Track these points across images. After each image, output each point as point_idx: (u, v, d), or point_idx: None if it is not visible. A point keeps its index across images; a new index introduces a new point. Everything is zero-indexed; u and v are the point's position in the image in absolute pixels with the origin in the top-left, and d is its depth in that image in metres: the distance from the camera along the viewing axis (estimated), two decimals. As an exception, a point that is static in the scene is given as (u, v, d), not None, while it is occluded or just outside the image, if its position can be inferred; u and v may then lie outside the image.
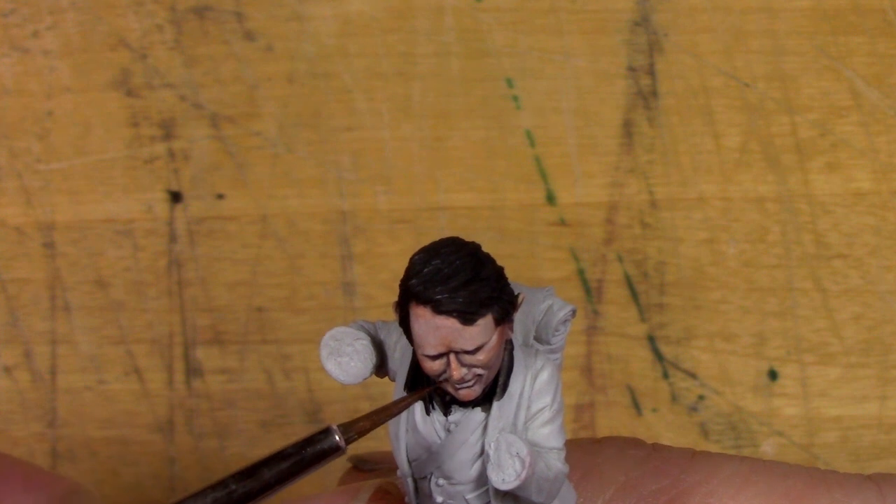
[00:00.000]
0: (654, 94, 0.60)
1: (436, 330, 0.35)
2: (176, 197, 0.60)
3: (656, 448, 0.45)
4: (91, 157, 0.60)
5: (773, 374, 0.61)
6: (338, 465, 0.55)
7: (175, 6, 0.60)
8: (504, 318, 0.36)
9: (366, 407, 0.60)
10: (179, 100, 0.60)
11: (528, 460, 0.35)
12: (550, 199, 0.60)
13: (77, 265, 0.60)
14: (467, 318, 0.35)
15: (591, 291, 0.60)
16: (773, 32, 0.60)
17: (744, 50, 0.60)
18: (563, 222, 0.60)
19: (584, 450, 0.44)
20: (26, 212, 0.60)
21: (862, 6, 0.60)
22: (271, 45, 0.60)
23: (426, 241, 0.36)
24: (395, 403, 0.36)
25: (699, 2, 0.60)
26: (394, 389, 0.38)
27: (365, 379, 0.38)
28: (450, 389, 0.36)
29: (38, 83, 0.60)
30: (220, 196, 0.60)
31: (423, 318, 0.35)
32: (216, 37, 0.60)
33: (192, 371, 0.60)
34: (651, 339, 0.60)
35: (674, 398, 0.61)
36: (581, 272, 0.60)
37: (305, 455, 0.35)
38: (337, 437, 0.35)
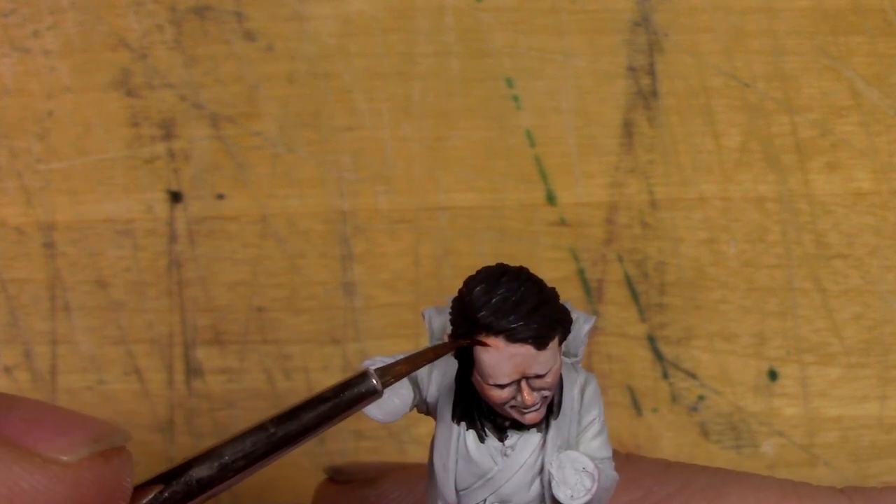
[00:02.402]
0: (654, 94, 0.60)
1: (510, 358, 0.35)
2: (176, 197, 0.60)
3: (630, 459, 0.45)
4: (91, 157, 0.60)
5: (773, 374, 0.61)
6: (322, 462, 0.55)
7: (175, 6, 0.60)
8: (565, 337, 0.36)
9: (366, 407, 0.60)
10: (179, 100, 0.60)
11: (596, 474, 0.36)
12: (550, 199, 0.60)
13: (77, 265, 0.60)
14: (541, 342, 0.35)
15: (591, 291, 0.60)
16: (773, 32, 0.60)
17: (744, 50, 0.60)
18: (563, 222, 0.60)
19: None
20: (26, 212, 0.60)
21: (862, 6, 0.60)
22: (271, 45, 0.60)
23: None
24: (433, 349, 0.36)
25: (699, 2, 0.60)
26: (435, 426, 0.38)
27: (404, 415, 0.38)
28: (514, 415, 0.36)
29: (38, 83, 0.60)
30: (220, 196, 0.60)
31: (495, 349, 0.35)
32: (216, 37, 0.60)
33: (192, 371, 0.60)
34: (651, 339, 0.60)
35: (674, 398, 0.61)
36: (581, 272, 0.60)
37: (343, 398, 0.35)
38: (374, 381, 0.35)
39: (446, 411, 0.38)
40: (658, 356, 0.60)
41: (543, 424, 0.37)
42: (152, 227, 0.60)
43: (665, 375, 0.61)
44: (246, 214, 0.60)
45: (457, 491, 0.38)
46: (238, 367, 0.60)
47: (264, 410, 0.61)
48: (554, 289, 0.36)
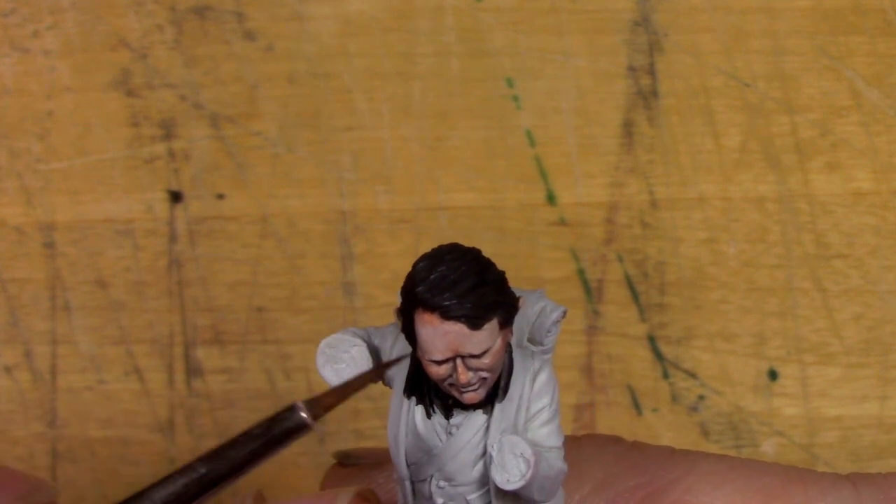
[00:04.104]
0: (654, 94, 0.60)
1: (444, 335, 0.35)
2: (176, 197, 0.60)
3: (636, 445, 0.45)
4: (91, 157, 0.60)
5: (773, 374, 0.61)
6: (322, 461, 0.55)
7: (175, 6, 0.60)
8: (508, 321, 0.36)
9: (366, 407, 0.60)
10: (179, 100, 0.60)
11: (532, 460, 0.35)
12: (550, 199, 0.60)
13: (77, 265, 0.60)
14: (475, 322, 0.35)
15: (591, 291, 0.60)
16: (773, 32, 0.60)
17: (744, 50, 0.60)
18: (563, 222, 0.60)
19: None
20: (26, 212, 0.60)
21: (862, 6, 0.60)
22: (271, 45, 0.60)
23: (426, 241, 0.37)
24: (359, 378, 0.36)
25: (699, 2, 0.60)
26: (391, 395, 0.38)
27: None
28: (454, 393, 0.37)
29: (38, 83, 0.60)
30: (220, 196, 0.60)
31: (430, 325, 0.35)
32: (216, 37, 0.60)
33: (192, 371, 0.60)
34: (651, 339, 0.60)
35: (674, 398, 0.61)
36: (581, 272, 0.60)
37: (273, 434, 0.35)
38: (303, 414, 0.35)
39: (399, 385, 0.38)
40: (658, 356, 0.60)
41: (489, 407, 0.37)
42: (152, 227, 0.60)
43: (665, 375, 0.61)
44: (246, 214, 0.60)
45: (407, 465, 0.38)
46: (238, 367, 0.60)
47: (264, 410, 0.60)
48: (502, 272, 0.36)
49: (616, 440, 0.45)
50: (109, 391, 0.61)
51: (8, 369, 0.61)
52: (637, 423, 0.61)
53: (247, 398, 0.60)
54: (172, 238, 0.60)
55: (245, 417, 0.61)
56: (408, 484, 0.38)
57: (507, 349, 0.37)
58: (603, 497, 0.43)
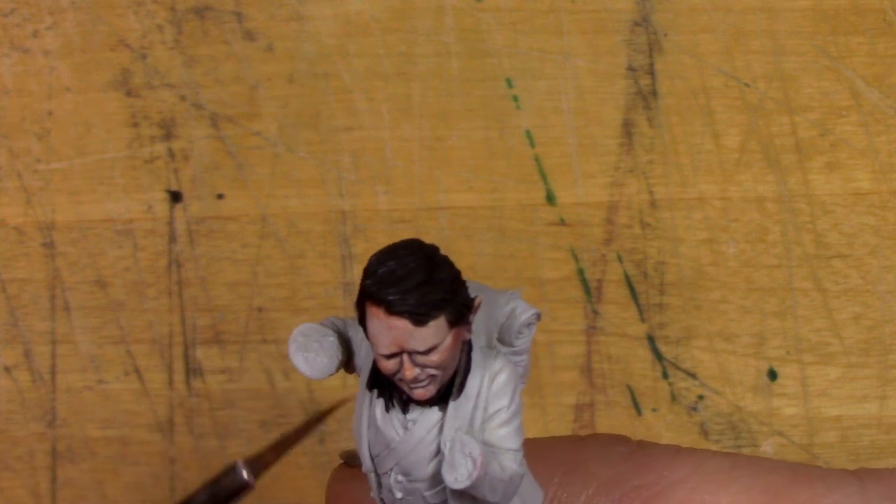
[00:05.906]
0: (654, 94, 0.60)
1: (388, 330, 0.35)
2: (176, 197, 0.60)
3: (641, 445, 0.45)
4: (91, 157, 0.60)
5: (772, 374, 0.61)
6: (322, 461, 0.55)
7: (175, 6, 0.60)
8: (458, 320, 0.36)
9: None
10: (179, 100, 0.60)
11: (479, 461, 0.35)
12: (550, 199, 0.60)
13: (77, 265, 0.60)
14: (419, 319, 0.35)
15: (590, 291, 0.60)
16: (773, 32, 0.60)
17: (744, 50, 0.60)
18: (563, 222, 0.60)
19: (568, 446, 0.44)
20: (26, 212, 0.60)
21: (862, 6, 0.60)
22: (271, 45, 0.60)
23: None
24: (296, 432, 0.36)
25: (699, 2, 0.60)
26: (359, 385, 0.38)
27: (331, 374, 0.39)
28: (404, 388, 0.37)
29: (38, 83, 0.60)
30: (220, 196, 0.60)
31: (377, 318, 0.35)
32: (216, 37, 0.60)
33: (192, 371, 0.60)
34: (651, 339, 0.61)
35: (674, 398, 0.61)
36: (581, 272, 0.60)
37: (217, 496, 0.35)
38: (245, 474, 0.35)
39: (364, 377, 0.38)
40: (658, 356, 0.61)
41: (444, 404, 0.37)
42: (152, 227, 0.60)
43: (665, 375, 0.61)
44: (246, 214, 0.60)
45: (371, 457, 0.38)
46: (238, 366, 0.60)
47: (264, 410, 0.61)
48: (456, 272, 0.36)
49: (622, 440, 0.45)
50: (109, 391, 0.61)
51: (8, 369, 0.61)
52: (637, 423, 0.61)
53: (246, 398, 0.60)
54: (172, 238, 0.60)
55: (244, 417, 0.61)
56: (372, 476, 0.38)
57: (466, 347, 0.37)
58: (609, 496, 0.43)
